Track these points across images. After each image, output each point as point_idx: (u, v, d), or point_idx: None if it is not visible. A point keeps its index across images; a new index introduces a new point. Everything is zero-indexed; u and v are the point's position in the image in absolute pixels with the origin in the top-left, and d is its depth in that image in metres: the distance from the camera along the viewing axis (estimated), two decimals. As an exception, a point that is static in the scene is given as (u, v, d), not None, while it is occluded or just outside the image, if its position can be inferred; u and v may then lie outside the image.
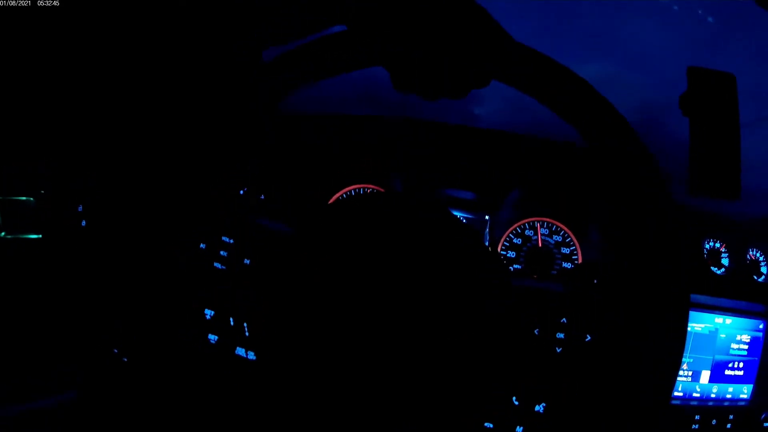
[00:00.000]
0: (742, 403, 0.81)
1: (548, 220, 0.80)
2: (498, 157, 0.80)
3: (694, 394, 0.78)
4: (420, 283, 0.39)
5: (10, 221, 0.63)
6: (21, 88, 0.62)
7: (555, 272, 0.78)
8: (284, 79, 0.45)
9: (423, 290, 0.39)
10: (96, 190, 0.67)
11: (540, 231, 0.79)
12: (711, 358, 0.79)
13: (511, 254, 0.79)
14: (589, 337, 0.54)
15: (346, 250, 0.40)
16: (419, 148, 0.81)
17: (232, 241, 0.55)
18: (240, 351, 0.55)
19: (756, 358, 0.81)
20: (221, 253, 0.55)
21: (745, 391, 0.81)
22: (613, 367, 0.46)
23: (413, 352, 0.37)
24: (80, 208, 0.68)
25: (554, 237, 0.80)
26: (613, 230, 0.74)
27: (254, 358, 0.54)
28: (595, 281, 0.60)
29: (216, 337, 0.54)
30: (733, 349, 0.80)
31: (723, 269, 0.81)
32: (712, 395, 0.79)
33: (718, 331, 0.79)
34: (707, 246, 0.81)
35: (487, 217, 0.79)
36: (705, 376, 0.79)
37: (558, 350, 0.54)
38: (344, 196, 0.82)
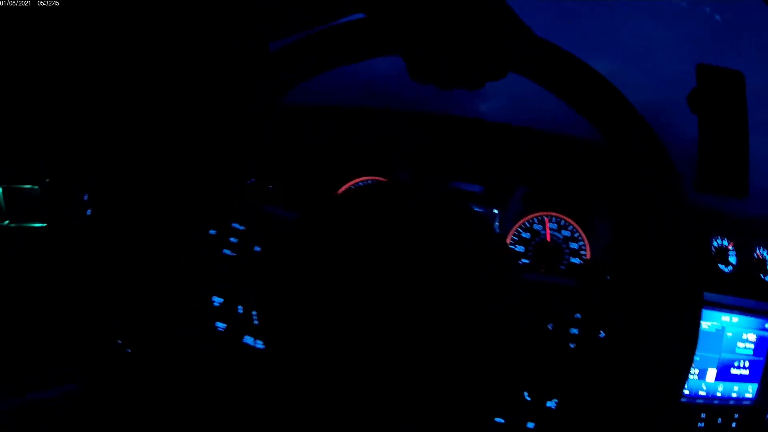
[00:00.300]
0: (747, 403, 0.80)
1: (556, 214, 0.80)
2: (507, 151, 0.79)
3: (701, 392, 0.78)
4: (428, 276, 0.38)
5: (14, 209, 0.63)
6: (21, 88, 0.61)
7: (563, 267, 0.77)
8: (293, 69, 0.45)
9: (430, 282, 0.38)
10: (101, 182, 0.66)
11: (548, 225, 0.79)
12: (717, 356, 0.79)
13: (520, 248, 0.78)
14: (603, 334, 0.54)
15: (353, 240, 0.39)
16: (427, 140, 0.81)
17: (242, 227, 0.54)
18: (248, 339, 0.54)
19: (762, 358, 0.81)
20: (231, 239, 0.54)
21: (750, 391, 0.81)
22: (625, 364, 0.46)
23: (422, 342, 0.37)
24: (85, 197, 0.67)
25: (563, 232, 0.79)
26: (623, 227, 0.73)
27: (262, 347, 0.54)
28: (608, 278, 0.60)
29: (224, 325, 0.54)
30: (740, 347, 0.80)
31: (730, 267, 0.80)
32: (718, 394, 0.79)
33: (725, 330, 0.79)
34: (715, 243, 0.81)
35: (495, 211, 0.78)
36: (711, 374, 0.78)
37: (571, 346, 0.54)
38: (352, 188, 0.81)
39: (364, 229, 0.40)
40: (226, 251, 0.54)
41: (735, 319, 0.80)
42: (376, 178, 0.82)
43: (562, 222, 0.80)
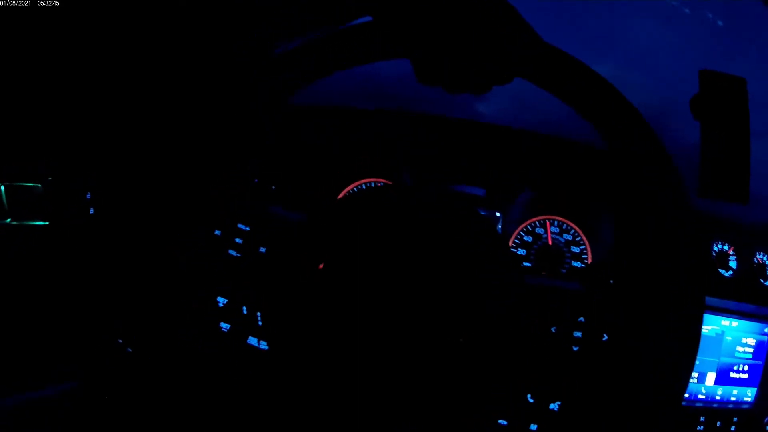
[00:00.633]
0: (746, 406, 0.81)
1: (558, 218, 0.80)
2: (509, 155, 0.79)
3: (700, 396, 0.78)
4: (431, 277, 0.38)
5: (16, 207, 0.62)
6: (21, 88, 0.61)
7: (565, 271, 0.77)
8: (298, 71, 0.45)
9: (433, 283, 0.38)
10: (103, 182, 0.66)
11: (550, 229, 0.79)
12: (717, 360, 0.79)
13: (522, 252, 0.79)
14: (606, 337, 0.54)
15: (357, 242, 0.40)
16: (430, 143, 0.81)
17: (248, 228, 0.54)
18: (252, 340, 0.54)
19: (761, 362, 0.81)
20: (236, 240, 0.54)
21: (749, 394, 0.81)
22: (627, 366, 0.46)
23: (424, 342, 0.37)
24: (88, 196, 0.67)
25: (564, 236, 0.79)
26: (625, 230, 0.74)
27: (266, 347, 0.54)
28: (611, 281, 0.60)
29: (228, 326, 0.54)
30: (739, 352, 0.80)
31: (731, 272, 0.81)
32: (717, 397, 0.79)
33: (725, 334, 0.79)
34: (716, 248, 0.82)
35: (498, 214, 0.78)
36: (710, 378, 0.79)
37: (575, 349, 0.54)
38: (354, 189, 0.81)
39: (367, 232, 0.40)
40: (232, 252, 0.54)
41: (735, 323, 0.80)
42: (379, 179, 0.82)
43: (564, 225, 0.80)
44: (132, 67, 0.63)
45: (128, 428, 0.64)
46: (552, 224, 0.80)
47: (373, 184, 0.82)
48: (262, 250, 0.54)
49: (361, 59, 0.45)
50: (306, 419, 0.40)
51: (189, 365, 0.50)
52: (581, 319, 0.55)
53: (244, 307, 0.53)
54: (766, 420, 0.80)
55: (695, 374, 0.78)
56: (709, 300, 0.79)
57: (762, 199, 0.75)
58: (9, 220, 0.62)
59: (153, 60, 0.63)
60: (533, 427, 0.53)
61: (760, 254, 0.84)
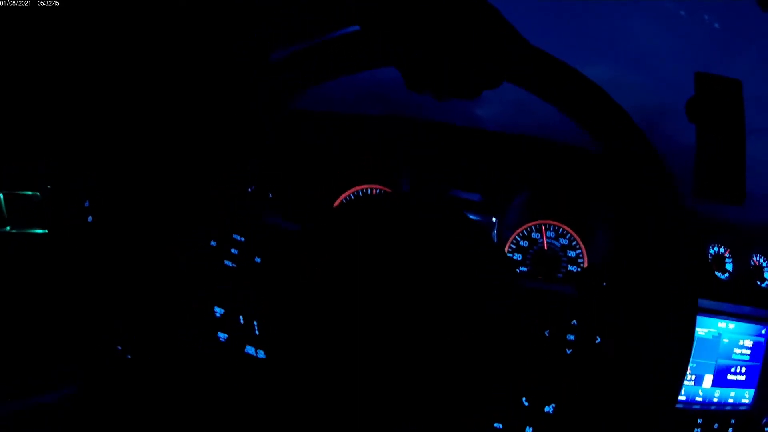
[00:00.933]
0: (744, 408, 0.81)
1: (554, 223, 0.80)
2: (505, 159, 0.80)
3: (697, 398, 0.78)
4: (426, 283, 0.39)
5: (15, 215, 0.63)
6: (21, 88, 0.61)
7: (561, 275, 0.78)
8: (294, 77, 0.45)
9: (429, 290, 0.39)
10: (101, 187, 0.67)
11: (546, 234, 0.80)
12: (714, 362, 0.79)
13: (518, 257, 0.79)
14: (599, 339, 0.55)
15: (353, 251, 0.40)
16: (427, 148, 0.81)
17: (243, 239, 0.55)
18: (249, 350, 0.54)
19: (758, 364, 0.81)
20: (232, 251, 0.55)
21: (746, 396, 0.81)
22: (621, 370, 0.47)
23: (419, 351, 0.38)
24: (87, 204, 0.68)
25: (560, 240, 0.80)
26: (621, 233, 0.74)
27: (264, 356, 0.54)
28: (605, 284, 0.60)
29: (225, 336, 0.54)
30: (736, 353, 0.81)
31: (727, 274, 0.81)
32: (715, 399, 0.79)
33: (721, 336, 0.80)
34: (712, 251, 0.82)
35: (494, 219, 0.79)
36: (708, 380, 0.79)
37: (568, 351, 0.54)
38: (351, 196, 0.81)
39: (363, 239, 0.41)
40: (227, 262, 0.55)
41: (731, 325, 0.80)
42: (376, 185, 0.82)
43: (560, 230, 0.80)
44: (131, 67, 0.63)
45: (127, 433, 0.65)
46: (548, 229, 0.80)
47: (369, 191, 0.82)
48: (258, 260, 0.55)
49: (350, 69, 0.45)
50: (304, 426, 0.41)
51: (188, 369, 0.50)
52: (574, 322, 0.55)
53: (241, 317, 0.54)
54: (764, 421, 0.81)
55: (692, 377, 0.78)
56: (706, 302, 0.79)
57: (758, 199, 0.75)
58: (8, 228, 0.63)
59: (152, 60, 0.63)
60: (528, 430, 0.53)
61: (756, 256, 0.84)
